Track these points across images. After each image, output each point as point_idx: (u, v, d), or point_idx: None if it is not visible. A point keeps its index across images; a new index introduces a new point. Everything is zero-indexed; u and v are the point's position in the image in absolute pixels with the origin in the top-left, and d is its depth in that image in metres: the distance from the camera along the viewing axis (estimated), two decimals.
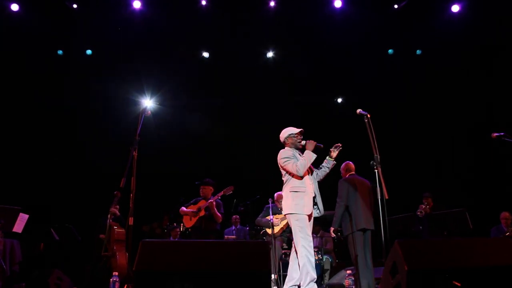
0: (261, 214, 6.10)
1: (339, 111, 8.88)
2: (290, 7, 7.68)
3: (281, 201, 6.08)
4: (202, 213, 5.53)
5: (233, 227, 7.88)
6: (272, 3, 7.62)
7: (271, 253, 5.09)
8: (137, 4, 7.56)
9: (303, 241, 3.96)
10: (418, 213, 6.21)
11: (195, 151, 8.70)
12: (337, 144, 4.34)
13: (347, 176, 5.19)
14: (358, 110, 4.13)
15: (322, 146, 4.24)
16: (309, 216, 4.12)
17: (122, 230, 5.74)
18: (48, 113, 8.20)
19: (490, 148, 7.25)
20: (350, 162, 5.30)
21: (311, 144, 4.21)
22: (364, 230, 4.86)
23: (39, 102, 8.13)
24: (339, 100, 9.27)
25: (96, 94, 8.16)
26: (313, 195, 4.20)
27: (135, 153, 3.91)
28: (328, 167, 4.35)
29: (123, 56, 8.00)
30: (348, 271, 4.14)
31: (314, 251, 6.21)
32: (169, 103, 7.98)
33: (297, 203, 4.07)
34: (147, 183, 6.23)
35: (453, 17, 7.64)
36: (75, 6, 7.43)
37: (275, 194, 6.17)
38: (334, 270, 6.68)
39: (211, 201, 5.44)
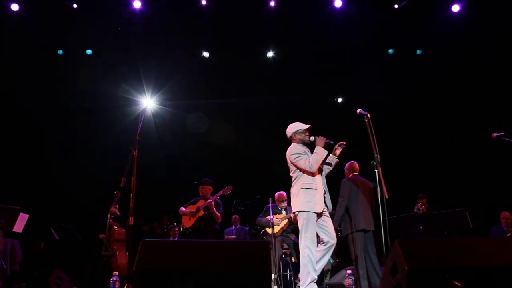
0: (261, 214, 6.10)
1: (339, 111, 8.88)
2: (290, 7, 7.68)
3: (282, 201, 6.12)
4: (201, 213, 5.53)
5: (233, 227, 7.89)
6: (272, 3, 7.62)
7: (271, 253, 5.10)
8: (137, 4, 7.56)
9: (307, 240, 3.91)
10: (416, 210, 6.22)
11: (195, 151, 8.70)
12: (341, 142, 4.29)
13: (350, 176, 5.20)
14: (358, 110, 4.13)
15: (332, 142, 4.19)
16: (320, 214, 4.06)
17: (122, 230, 5.74)
18: (48, 113, 8.20)
19: (490, 148, 7.24)
20: (355, 162, 5.29)
21: (322, 140, 4.14)
22: (364, 231, 4.86)
23: (39, 102, 8.12)
24: (339, 100, 9.27)
25: (96, 94, 8.17)
26: (323, 192, 4.13)
27: (135, 153, 3.91)
28: (331, 165, 4.31)
29: (123, 56, 8.00)
30: (348, 271, 4.13)
31: None
32: (169, 103, 7.98)
33: (309, 200, 3.99)
34: (147, 183, 6.24)
35: (453, 17, 7.64)
36: (75, 6, 7.43)
37: (276, 194, 6.18)
38: (334, 270, 6.68)
39: (210, 201, 5.44)
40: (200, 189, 5.72)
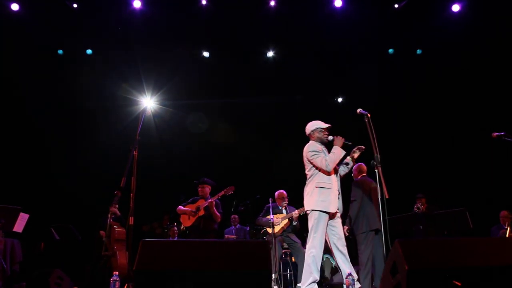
0: (261, 214, 6.10)
1: (339, 111, 8.88)
2: (291, 7, 7.68)
3: (282, 198, 6.11)
4: (201, 213, 5.53)
5: (233, 227, 7.89)
6: (272, 3, 7.62)
7: (271, 253, 5.09)
8: (137, 4, 7.56)
9: (315, 241, 3.89)
10: (415, 209, 6.21)
11: (195, 151, 8.70)
12: (360, 146, 4.25)
13: (359, 177, 5.22)
14: (359, 110, 4.13)
15: (350, 143, 4.15)
16: (333, 214, 4.04)
17: (123, 230, 5.75)
18: (47, 113, 8.20)
19: (490, 148, 7.25)
20: (363, 164, 5.32)
21: (340, 140, 4.11)
22: (376, 231, 4.88)
23: (39, 102, 8.12)
24: (339, 99, 9.27)
25: (96, 94, 8.17)
26: (338, 193, 4.09)
27: (135, 153, 3.91)
28: (348, 168, 4.28)
29: (123, 56, 8.00)
30: (349, 271, 4.12)
31: None
32: (169, 103, 7.99)
33: (324, 199, 3.96)
34: (147, 182, 6.24)
35: (454, 16, 7.64)
36: (75, 5, 7.43)
37: (276, 193, 6.17)
38: (334, 270, 6.68)
39: (211, 201, 5.44)
40: (199, 189, 5.73)
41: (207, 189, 5.72)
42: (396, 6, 7.59)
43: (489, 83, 7.81)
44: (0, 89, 7.81)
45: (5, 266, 5.02)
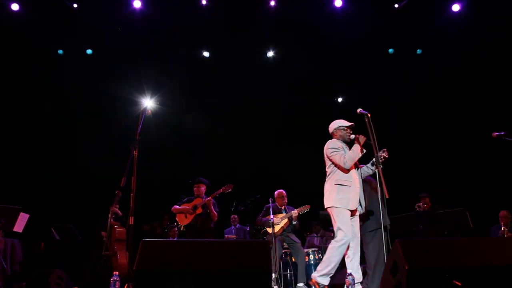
0: (261, 214, 6.11)
1: (339, 111, 8.88)
2: (291, 7, 7.68)
3: (281, 197, 6.10)
4: (199, 211, 5.53)
5: (232, 227, 7.90)
6: (272, 3, 7.62)
7: (271, 253, 5.10)
8: (137, 4, 7.56)
9: (341, 235, 3.89)
10: (416, 207, 6.21)
11: (195, 151, 8.70)
12: (384, 149, 4.20)
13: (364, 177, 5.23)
14: (359, 110, 4.13)
15: (371, 142, 4.10)
16: (353, 212, 4.01)
17: (123, 230, 5.75)
18: (48, 113, 8.20)
19: (490, 148, 7.25)
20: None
21: (361, 139, 4.09)
22: (385, 228, 4.86)
23: (39, 102, 8.13)
24: (340, 99, 9.27)
25: (96, 94, 8.17)
26: (358, 190, 4.06)
27: (135, 153, 3.91)
28: (372, 169, 4.25)
29: (124, 56, 8.00)
30: (349, 270, 4.12)
31: (315, 251, 6.26)
32: (169, 103, 7.98)
33: (342, 197, 3.96)
34: (147, 182, 6.24)
35: (454, 16, 7.64)
36: (75, 5, 7.43)
37: (276, 192, 6.17)
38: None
39: (209, 199, 5.45)
40: (195, 188, 5.74)
41: (203, 188, 5.74)
42: (396, 6, 7.59)
43: (489, 83, 7.81)
44: (0, 89, 7.81)
45: (5, 266, 5.02)
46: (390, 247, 3.68)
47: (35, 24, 7.44)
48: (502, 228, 6.18)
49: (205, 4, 7.61)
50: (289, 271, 6.27)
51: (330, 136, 4.45)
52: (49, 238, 6.54)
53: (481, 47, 7.65)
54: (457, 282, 2.47)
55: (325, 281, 3.91)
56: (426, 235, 6.20)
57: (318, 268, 3.90)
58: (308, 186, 7.97)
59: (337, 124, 4.29)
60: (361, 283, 4.05)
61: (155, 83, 7.70)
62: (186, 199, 5.80)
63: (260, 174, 8.40)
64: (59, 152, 8.26)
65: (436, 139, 8.23)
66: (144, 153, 4.15)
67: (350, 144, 4.23)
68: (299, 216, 5.94)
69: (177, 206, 5.71)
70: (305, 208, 5.93)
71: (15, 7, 7.34)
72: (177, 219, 5.75)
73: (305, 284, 5.69)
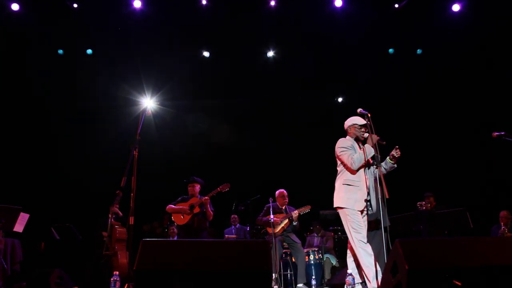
0: (261, 213, 6.11)
1: (339, 111, 8.88)
2: (291, 7, 7.69)
3: (282, 196, 6.10)
4: (197, 210, 5.53)
5: (232, 227, 7.90)
6: (272, 3, 7.62)
7: (271, 252, 5.10)
8: (137, 4, 7.57)
9: (355, 234, 3.83)
10: (418, 205, 6.20)
11: (195, 151, 8.70)
12: (396, 147, 4.11)
13: None
14: (359, 110, 4.12)
15: (384, 142, 4.04)
16: (361, 212, 3.94)
17: (124, 229, 5.76)
18: (47, 113, 8.20)
19: (490, 147, 7.25)
20: None
21: (374, 139, 4.00)
22: (385, 229, 4.86)
23: (39, 102, 8.13)
24: (340, 99, 9.27)
25: (96, 94, 8.17)
26: (367, 191, 3.97)
27: (135, 153, 3.91)
28: (386, 169, 4.16)
29: (124, 56, 8.00)
30: (349, 270, 4.12)
31: (315, 251, 6.26)
32: (169, 103, 7.99)
33: (349, 197, 3.91)
34: (147, 182, 6.24)
35: (454, 16, 7.64)
36: (75, 5, 7.43)
37: (277, 192, 6.18)
38: (335, 269, 6.69)
39: (206, 198, 5.46)
40: (189, 188, 5.74)
41: (197, 187, 5.76)
42: (396, 6, 7.59)
43: (489, 83, 7.81)
44: (0, 89, 7.81)
45: (5, 266, 5.02)
46: (390, 248, 3.68)
47: (35, 24, 7.44)
48: (502, 228, 6.19)
49: (205, 4, 7.61)
50: (289, 271, 6.28)
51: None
52: (49, 238, 6.54)
53: (481, 47, 7.65)
54: (457, 282, 2.47)
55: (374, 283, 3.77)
56: (427, 235, 6.20)
57: (365, 277, 3.78)
58: (309, 186, 8.00)
59: (351, 121, 4.22)
60: (361, 283, 4.02)
61: (155, 83, 7.71)
62: (180, 198, 5.80)
63: (260, 173, 8.40)
64: (59, 152, 8.26)
65: (436, 139, 8.23)
66: (144, 153, 4.14)
67: (364, 142, 4.15)
68: (300, 216, 5.94)
69: (173, 206, 5.69)
70: (306, 209, 5.93)
71: (15, 7, 7.35)
72: (173, 218, 5.74)
73: (304, 284, 5.70)
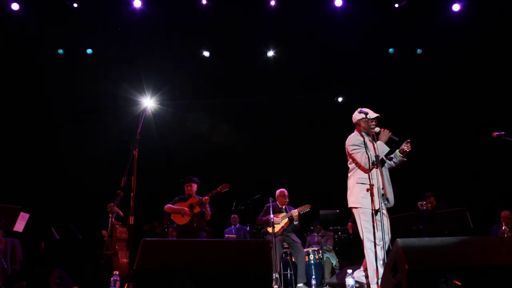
0: (262, 213, 6.10)
1: (339, 110, 8.88)
2: (291, 6, 7.68)
3: (283, 196, 6.09)
4: (197, 210, 5.54)
5: (233, 227, 7.90)
6: (272, 2, 7.62)
7: (271, 252, 5.09)
8: (137, 3, 7.57)
9: (367, 234, 3.73)
10: (419, 205, 6.20)
11: (195, 150, 8.71)
12: (408, 140, 4.00)
13: None
14: (359, 109, 4.12)
15: (397, 138, 3.90)
16: (376, 211, 3.83)
17: (124, 229, 5.76)
18: (47, 112, 8.20)
19: (490, 147, 7.25)
20: None
21: (386, 135, 3.88)
22: None
23: (39, 101, 8.13)
24: (340, 99, 9.27)
25: (96, 94, 8.17)
26: (382, 187, 3.82)
27: (135, 152, 3.91)
28: (395, 162, 4.04)
29: (124, 55, 8.00)
30: (349, 270, 4.12)
31: (315, 251, 6.25)
32: (169, 102, 7.99)
33: (364, 196, 3.79)
34: (147, 182, 6.24)
35: (454, 16, 7.64)
36: (75, 5, 7.43)
37: (277, 191, 6.17)
38: (335, 269, 6.69)
39: (206, 198, 5.47)
40: (187, 187, 5.74)
41: (195, 187, 5.78)
42: (396, 5, 7.59)
43: (489, 83, 7.80)
44: (0, 89, 7.81)
45: (5, 265, 5.02)
46: (391, 248, 3.67)
47: (35, 23, 7.44)
48: (503, 227, 6.19)
49: (205, 4, 7.61)
50: (289, 271, 6.28)
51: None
52: (49, 237, 6.54)
53: (481, 47, 7.64)
54: (457, 282, 2.47)
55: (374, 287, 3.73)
56: (427, 234, 6.20)
57: (370, 279, 3.71)
58: (309, 186, 8.00)
59: (361, 114, 4.00)
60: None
61: (155, 83, 7.70)
62: (177, 197, 5.80)
63: (260, 173, 8.40)
64: (59, 152, 8.26)
65: (436, 139, 8.22)
66: (144, 153, 4.14)
67: (375, 137, 3.97)
68: (300, 216, 5.93)
69: (172, 206, 5.69)
70: (306, 208, 5.93)
71: (15, 6, 7.35)
72: (173, 218, 5.74)
73: (304, 284, 5.70)
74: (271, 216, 5.66)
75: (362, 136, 3.98)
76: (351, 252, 6.77)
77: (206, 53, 8.47)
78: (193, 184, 5.76)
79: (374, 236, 3.74)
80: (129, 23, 7.68)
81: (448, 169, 8.07)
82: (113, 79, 8.08)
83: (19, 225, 5.33)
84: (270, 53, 8.53)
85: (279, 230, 5.86)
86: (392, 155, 4.05)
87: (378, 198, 3.77)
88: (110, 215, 5.66)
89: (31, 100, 8.07)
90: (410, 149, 3.99)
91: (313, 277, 5.90)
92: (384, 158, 3.97)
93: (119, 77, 8.11)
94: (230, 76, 8.50)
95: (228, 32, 7.97)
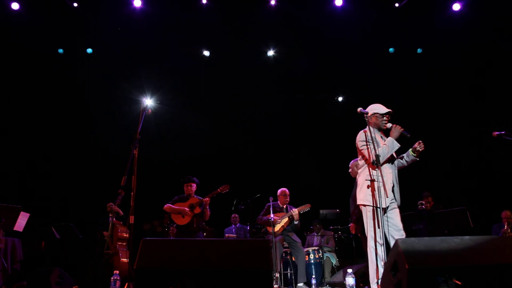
0: (262, 212, 6.11)
1: (339, 110, 8.88)
2: (291, 6, 7.68)
3: (284, 195, 6.08)
4: (197, 211, 5.54)
5: (233, 226, 7.90)
6: (272, 2, 7.62)
7: (272, 252, 5.09)
8: (137, 3, 7.57)
9: (371, 233, 3.69)
10: (419, 205, 6.20)
11: (195, 150, 8.70)
12: (420, 141, 3.95)
13: None
14: (359, 109, 4.10)
15: (409, 135, 3.80)
16: (385, 208, 3.77)
17: (125, 228, 5.76)
18: (47, 112, 8.20)
19: (491, 147, 7.25)
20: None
21: (397, 131, 3.78)
22: None
23: (39, 101, 8.13)
24: (340, 98, 9.27)
25: (96, 93, 8.17)
26: (392, 185, 3.79)
27: (135, 152, 3.91)
28: (407, 161, 3.99)
29: (124, 55, 8.00)
30: (349, 270, 4.12)
31: (315, 250, 6.26)
32: (169, 102, 7.99)
33: (371, 194, 3.72)
34: (148, 181, 6.25)
35: (454, 15, 7.63)
36: (75, 4, 7.43)
37: (278, 190, 6.17)
38: (335, 269, 6.69)
39: (207, 199, 5.47)
40: (187, 187, 5.75)
41: (194, 187, 5.79)
42: (396, 5, 7.59)
43: (489, 82, 7.80)
44: (0, 88, 7.81)
45: (6, 265, 5.02)
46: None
47: (35, 23, 7.44)
48: (505, 227, 6.19)
49: (205, 3, 7.61)
50: (289, 270, 6.28)
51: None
52: (49, 237, 6.54)
53: (481, 47, 7.64)
54: (457, 282, 2.47)
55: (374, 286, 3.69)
56: (427, 234, 6.20)
57: (370, 278, 3.68)
58: (308, 186, 8.00)
59: (372, 110, 3.92)
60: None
61: (155, 83, 7.70)
62: (177, 197, 5.81)
63: (260, 173, 8.41)
64: (59, 151, 8.26)
65: (436, 139, 8.22)
66: (144, 152, 4.14)
67: (386, 132, 3.92)
68: (300, 216, 5.93)
69: (172, 206, 5.69)
70: (306, 207, 5.93)
71: (15, 6, 7.35)
72: (173, 218, 5.74)
73: (304, 284, 5.70)
74: (272, 215, 5.66)
75: (370, 132, 3.92)
76: (351, 252, 6.77)
77: (206, 53, 8.47)
78: (193, 184, 5.77)
79: (375, 234, 3.70)
80: (130, 22, 7.68)
81: (448, 168, 8.07)
82: (113, 78, 8.08)
83: (19, 225, 5.33)
84: (270, 53, 8.53)
85: (279, 230, 5.86)
86: (404, 154, 4.01)
87: (386, 196, 3.73)
88: (111, 215, 5.66)
89: (29, 100, 8.06)
90: (423, 148, 3.93)
91: (313, 276, 5.91)
92: (395, 155, 3.93)
93: (119, 76, 8.11)
94: (230, 75, 8.50)
95: (228, 31, 7.97)
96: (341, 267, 6.40)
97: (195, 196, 5.70)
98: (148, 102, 4.90)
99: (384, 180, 3.75)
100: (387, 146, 3.73)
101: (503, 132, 4.33)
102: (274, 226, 5.68)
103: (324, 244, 6.79)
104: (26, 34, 7.55)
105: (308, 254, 6.21)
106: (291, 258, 6.23)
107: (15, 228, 5.30)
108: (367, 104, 4.14)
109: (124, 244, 5.75)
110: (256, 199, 6.74)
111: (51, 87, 8.10)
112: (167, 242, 3.12)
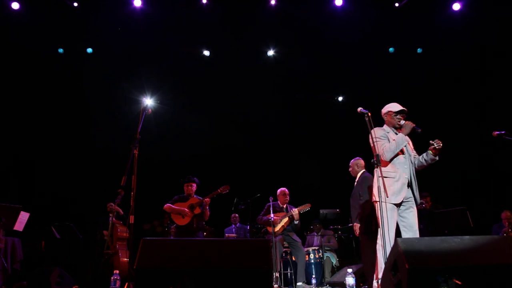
0: (262, 212, 6.11)
1: (340, 110, 8.88)
2: (291, 5, 7.68)
3: (284, 194, 6.09)
4: (198, 211, 5.54)
5: (233, 226, 7.90)
6: (272, 2, 7.62)
7: (272, 251, 5.10)
8: (137, 3, 7.56)
9: (380, 230, 3.62)
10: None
11: (195, 150, 8.70)
12: (437, 140, 3.93)
13: (360, 172, 5.20)
14: (359, 109, 4.10)
15: (420, 130, 3.83)
16: (399, 204, 3.71)
17: (125, 228, 5.76)
18: (47, 112, 8.20)
19: (491, 147, 7.25)
20: (361, 159, 5.28)
21: (408, 126, 3.81)
22: None
23: (38, 101, 8.13)
24: (340, 98, 9.27)
25: (96, 93, 8.17)
26: (408, 181, 3.75)
27: (135, 151, 3.91)
28: (426, 160, 3.94)
29: (124, 55, 8.00)
30: (349, 270, 4.13)
31: (315, 250, 6.26)
32: (169, 102, 7.99)
33: (387, 190, 3.63)
34: (148, 181, 6.25)
35: (454, 15, 7.63)
36: (75, 4, 7.43)
37: (278, 190, 6.17)
38: (335, 269, 6.69)
39: (207, 199, 5.47)
40: (187, 187, 5.75)
41: (194, 187, 5.79)
42: (396, 4, 7.59)
43: (489, 82, 7.80)
44: (0, 88, 7.81)
45: (5, 265, 5.02)
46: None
47: (35, 22, 7.44)
48: (506, 228, 6.19)
49: (205, 3, 7.61)
50: (289, 270, 6.28)
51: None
52: (49, 237, 6.55)
53: (481, 47, 7.64)
54: (457, 281, 2.47)
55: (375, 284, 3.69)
56: (427, 234, 6.21)
57: (375, 275, 3.67)
58: (308, 185, 8.00)
59: (386, 109, 4.02)
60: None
61: (155, 82, 7.70)
62: (177, 197, 5.81)
63: (260, 172, 8.41)
64: (59, 151, 8.26)
65: (436, 138, 8.21)
66: (144, 152, 4.14)
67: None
68: (300, 215, 5.93)
69: (172, 206, 5.69)
70: (306, 207, 5.93)
71: (15, 5, 7.35)
72: (173, 218, 5.74)
73: (304, 283, 5.70)
74: (271, 215, 5.66)
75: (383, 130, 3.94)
76: (351, 252, 6.78)
77: (206, 53, 8.47)
78: (193, 184, 5.77)
79: (383, 231, 3.61)
80: (130, 22, 7.68)
81: (448, 168, 8.07)
82: (113, 78, 8.07)
83: (19, 225, 5.33)
84: (270, 53, 8.53)
85: (279, 229, 5.86)
86: (424, 154, 3.99)
87: (401, 193, 3.68)
88: (111, 215, 5.66)
89: (29, 100, 8.06)
90: (441, 146, 3.88)
91: (313, 276, 5.91)
92: (412, 152, 3.94)
93: (119, 76, 8.11)
94: (230, 75, 8.50)
95: (228, 31, 7.97)
96: (341, 267, 6.41)
97: (195, 196, 5.70)
98: (148, 102, 4.89)
99: (399, 175, 3.73)
100: (396, 141, 3.76)
101: (503, 132, 4.33)
102: (274, 226, 5.68)
103: (325, 243, 6.80)
104: (26, 34, 7.55)
105: (308, 254, 6.21)
106: (291, 258, 6.23)
107: (15, 228, 5.30)
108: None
109: (124, 244, 5.76)
110: (256, 199, 6.74)
111: (51, 87, 8.09)
112: (167, 242, 3.11)
